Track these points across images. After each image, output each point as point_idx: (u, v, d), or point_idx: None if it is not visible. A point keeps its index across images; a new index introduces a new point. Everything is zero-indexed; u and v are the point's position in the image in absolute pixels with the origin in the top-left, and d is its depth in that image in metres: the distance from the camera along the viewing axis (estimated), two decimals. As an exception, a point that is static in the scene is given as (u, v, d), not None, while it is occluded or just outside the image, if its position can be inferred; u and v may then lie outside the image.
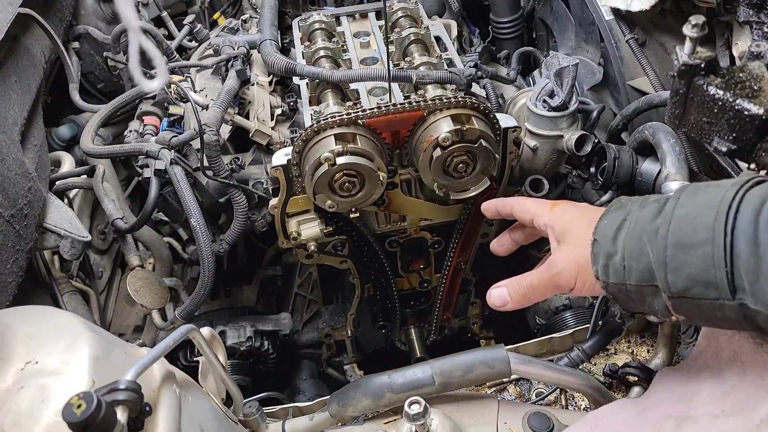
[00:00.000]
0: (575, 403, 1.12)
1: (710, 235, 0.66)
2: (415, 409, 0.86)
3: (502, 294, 0.90)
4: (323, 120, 1.13)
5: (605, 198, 1.38)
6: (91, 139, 1.34)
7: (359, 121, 1.14)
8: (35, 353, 0.69)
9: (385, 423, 0.95)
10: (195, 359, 0.97)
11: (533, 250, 1.53)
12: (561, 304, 1.48)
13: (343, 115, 1.13)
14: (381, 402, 0.94)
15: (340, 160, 1.10)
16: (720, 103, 0.79)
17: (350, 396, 0.97)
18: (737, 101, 0.77)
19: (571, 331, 1.21)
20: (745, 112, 0.77)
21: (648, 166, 1.24)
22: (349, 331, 1.64)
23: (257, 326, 1.54)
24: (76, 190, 1.55)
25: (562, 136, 1.28)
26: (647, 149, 1.28)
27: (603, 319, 1.14)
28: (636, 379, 1.06)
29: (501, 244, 1.10)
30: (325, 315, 1.73)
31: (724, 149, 0.80)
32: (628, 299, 0.78)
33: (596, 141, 1.30)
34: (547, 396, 1.12)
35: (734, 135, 0.79)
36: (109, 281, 1.78)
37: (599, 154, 1.31)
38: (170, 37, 1.92)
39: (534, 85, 1.60)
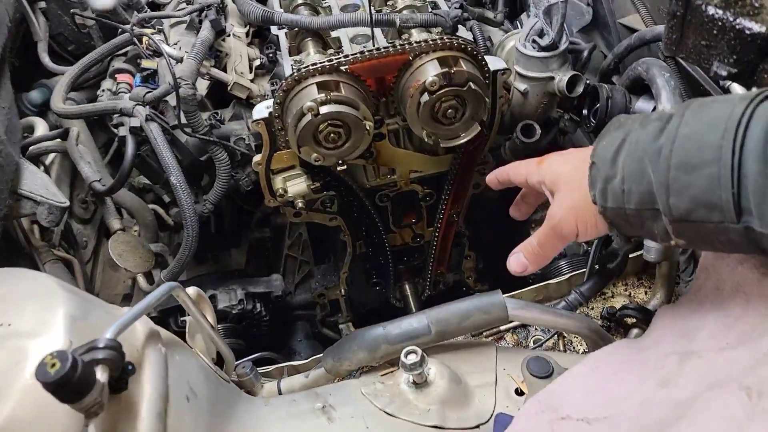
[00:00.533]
0: (573, 348, 1.10)
1: (717, 155, 0.61)
2: (412, 358, 0.83)
3: (519, 259, 0.89)
4: (304, 68, 1.08)
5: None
6: (62, 99, 1.28)
7: (342, 67, 1.09)
8: (7, 315, 0.65)
9: (382, 375, 0.93)
10: (183, 320, 0.94)
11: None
12: (556, 252, 1.46)
13: (324, 62, 1.08)
14: (377, 354, 0.92)
15: (323, 110, 1.05)
16: (720, 23, 0.75)
17: (345, 350, 0.95)
18: (738, 20, 0.73)
19: (567, 276, 1.18)
20: (747, 31, 0.73)
21: (642, 105, 1.20)
22: (342, 290, 1.61)
23: (248, 289, 1.51)
24: (52, 157, 1.49)
25: (553, 78, 1.24)
26: (640, 88, 1.24)
27: (599, 262, 1.11)
28: (634, 320, 1.04)
29: (519, 210, 1.08)
30: (318, 275, 1.70)
31: (724, 73, 0.76)
32: (627, 224, 0.75)
33: (587, 81, 1.26)
34: (544, 342, 1.10)
35: (735, 57, 0.75)
36: (94, 251, 1.74)
37: (591, 95, 1.27)
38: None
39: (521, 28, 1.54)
